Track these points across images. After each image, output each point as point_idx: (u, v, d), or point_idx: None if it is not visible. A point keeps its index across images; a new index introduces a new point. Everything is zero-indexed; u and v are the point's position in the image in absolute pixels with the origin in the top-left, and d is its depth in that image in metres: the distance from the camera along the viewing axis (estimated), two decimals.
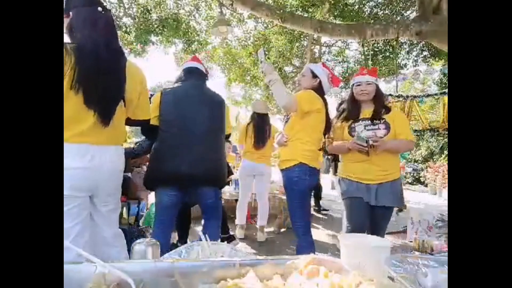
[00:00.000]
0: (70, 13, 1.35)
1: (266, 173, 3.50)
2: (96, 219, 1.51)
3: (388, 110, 1.99)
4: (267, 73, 1.96)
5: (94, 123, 1.34)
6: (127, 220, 2.90)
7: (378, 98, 1.99)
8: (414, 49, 8.52)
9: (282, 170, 2.08)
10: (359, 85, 1.98)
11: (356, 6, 7.57)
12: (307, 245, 2.08)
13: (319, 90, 2.09)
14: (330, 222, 4.40)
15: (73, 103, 1.29)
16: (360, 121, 1.99)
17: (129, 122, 1.62)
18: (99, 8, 1.38)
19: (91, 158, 1.37)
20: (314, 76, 2.12)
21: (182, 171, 1.83)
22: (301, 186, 1.98)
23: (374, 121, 1.95)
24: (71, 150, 1.31)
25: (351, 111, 2.03)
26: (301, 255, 0.59)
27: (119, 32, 7.39)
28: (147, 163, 4.14)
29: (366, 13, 7.67)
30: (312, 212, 5.14)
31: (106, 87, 1.36)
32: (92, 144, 1.36)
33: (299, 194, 1.99)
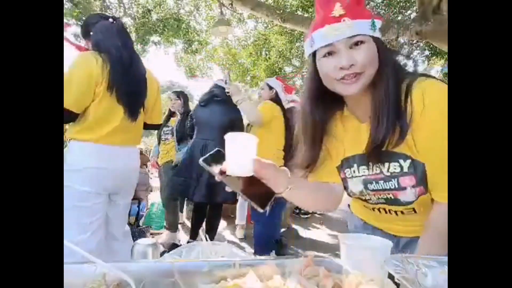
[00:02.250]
0: (91, 32, 1.55)
1: None
2: (111, 216, 1.60)
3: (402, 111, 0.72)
4: (234, 94, 2.29)
5: (121, 123, 1.51)
6: (127, 220, 2.90)
7: (387, 87, 0.73)
8: (414, 49, 8.52)
9: None
10: (329, 53, 0.73)
11: None
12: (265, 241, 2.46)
13: (277, 99, 2.57)
14: (330, 222, 4.39)
15: (107, 104, 1.47)
16: (352, 165, 0.85)
17: (145, 126, 1.79)
18: (110, 19, 1.60)
19: (116, 158, 1.53)
20: (270, 88, 2.62)
21: None
22: None
23: (379, 162, 0.78)
24: (99, 150, 1.47)
25: (308, 146, 0.86)
26: (298, 254, 0.59)
27: None
28: (148, 163, 4.13)
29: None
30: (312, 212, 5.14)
31: (133, 85, 1.55)
32: (117, 145, 1.53)
33: None
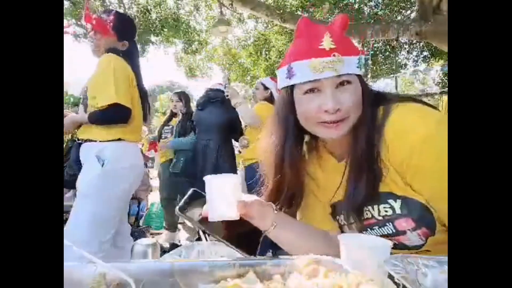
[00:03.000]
0: (127, 42, 1.67)
1: None
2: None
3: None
4: (232, 97, 2.36)
5: (141, 126, 1.77)
6: (127, 220, 2.90)
7: (368, 134, 0.67)
8: (414, 49, 8.52)
9: (245, 167, 2.60)
10: (311, 90, 0.66)
11: (356, 6, 7.56)
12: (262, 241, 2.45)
13: (271, 99, 2.57)
14: None
15: (138, 106, 1.65)
16: (340, 212, 0.76)
17: None
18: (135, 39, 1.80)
19: (140, 156, 1.75)
20: (266, 88, 2.63)
21: None
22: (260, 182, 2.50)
23: (365, 207, 0.71)
24: (137, 149, 1.70)
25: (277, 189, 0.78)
26: (298, 255, 0.59)
27: None
28: (148, 163, 4.14)
29: (366, 13, 7.67)
30: None
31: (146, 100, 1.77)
32: (138, 144, 1.82)
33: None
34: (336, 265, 0.55)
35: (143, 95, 1.71)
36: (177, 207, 0.68)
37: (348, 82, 0.65)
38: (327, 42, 0.63)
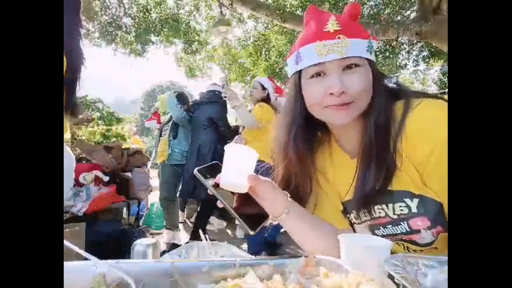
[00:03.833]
0: None
1: None
2: None
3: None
4: (231, 99, 2.37)
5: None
6: (127, 220, 2.90)
7: (379, 124, 0.64)
8: (414, 49, 8.52)
9: None
10: (318, 74, 0.64)
11: None
12: (258, 241, 2.46)
13: (268, 100, 2.59)
14: None
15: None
16: (351, 211, 0.75)
17: None
18: None
19: None
20: (263, 88, 2.63)
21: None
22: None
23: (374, 205, 0.70)
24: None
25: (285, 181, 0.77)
26: (298, 255, 0.59)
27: (119, 32, 7.46)
28: (148, 162, 4.17)
29: (366, 13, 7.67)
30: None
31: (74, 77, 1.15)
32: None
33: None
34: (336, 265, 0.55)
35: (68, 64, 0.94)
36: (196, 168, 0.68)
37: (357, 65, 0.62)
38: (331, 24, 0.62)
